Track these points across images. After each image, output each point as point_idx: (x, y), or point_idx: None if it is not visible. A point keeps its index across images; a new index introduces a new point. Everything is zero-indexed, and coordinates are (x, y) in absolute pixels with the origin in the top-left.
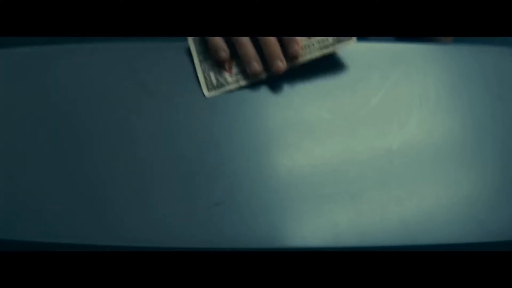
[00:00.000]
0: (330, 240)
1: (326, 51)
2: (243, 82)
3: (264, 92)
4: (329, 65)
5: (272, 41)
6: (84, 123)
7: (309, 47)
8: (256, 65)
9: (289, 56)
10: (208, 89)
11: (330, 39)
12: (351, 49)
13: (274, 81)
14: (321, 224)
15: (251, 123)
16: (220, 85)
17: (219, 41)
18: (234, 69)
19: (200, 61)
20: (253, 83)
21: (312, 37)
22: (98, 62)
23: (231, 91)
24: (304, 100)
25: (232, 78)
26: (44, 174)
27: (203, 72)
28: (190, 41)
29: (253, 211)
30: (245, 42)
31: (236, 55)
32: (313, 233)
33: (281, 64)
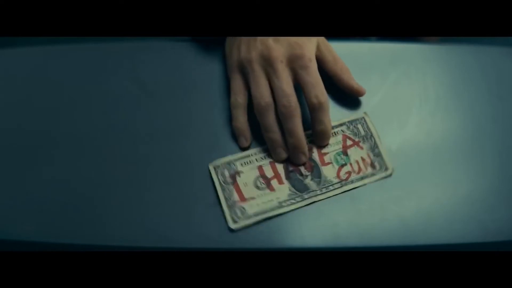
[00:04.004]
0: (330, 240)
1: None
2: (262, 216)
3: None
4: None
5: (300, 133)
6: (84, 123)
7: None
8: (283, 152)
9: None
10: (233, 220)
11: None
12: (351, 49)
13: None
14: (321, 224)
15: (250, 121)
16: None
17: (243, 127)
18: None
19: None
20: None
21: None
22: (98, 62)
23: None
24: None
25: (252, 210)
26: (44, 174)
27: (226, 201)
28: (212, 168)
29: None
30: (272, 126)
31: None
32: (313, 233)
33: (304, 159)
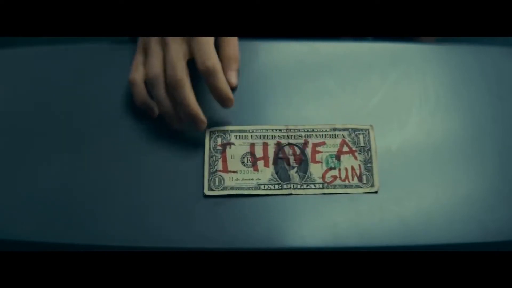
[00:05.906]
0: (329, 240)
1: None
2: (240, 191)
3: (265, 92)
4: (329, 65)
5: (190, 102)
6: (84, 123)
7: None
8: (178, 125)
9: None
10: (209, 187)
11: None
12: (351, 49)
13: (274, 81)
14: (320, 224)
15: (251, 122)
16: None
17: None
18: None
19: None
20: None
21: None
22: (97, 62)
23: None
24: (305, 100)
25: (231, 183)
26: (44, 174)
27: (209, 167)
28: (207, 133)
29: (253, 211)
30: (161, 99)
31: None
32: (312, 233)
33: (203, 125)
